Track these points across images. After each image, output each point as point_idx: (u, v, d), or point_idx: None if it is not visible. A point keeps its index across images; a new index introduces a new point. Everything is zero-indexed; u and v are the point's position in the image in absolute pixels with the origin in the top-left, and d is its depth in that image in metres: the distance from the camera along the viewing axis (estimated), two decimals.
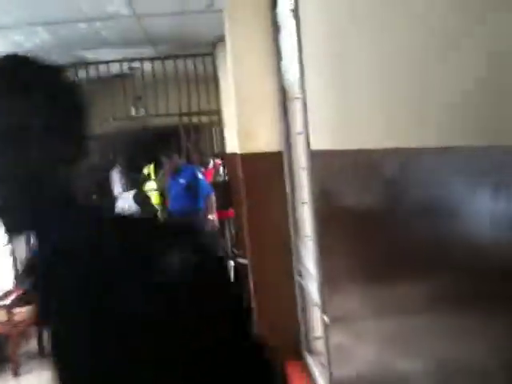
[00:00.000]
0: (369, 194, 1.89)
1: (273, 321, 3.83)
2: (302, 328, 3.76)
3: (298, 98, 2.97)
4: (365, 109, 1.80)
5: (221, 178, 7.55)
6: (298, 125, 3.16)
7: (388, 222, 1.75)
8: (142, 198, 7.37)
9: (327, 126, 2.21)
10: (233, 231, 7.45)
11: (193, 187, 6.57)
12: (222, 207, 7.20)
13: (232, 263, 6.12)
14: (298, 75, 2.73)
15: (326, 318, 2.60)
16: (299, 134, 3.05)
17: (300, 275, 3.69)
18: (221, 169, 7.62)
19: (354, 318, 2.20)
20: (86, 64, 7.11)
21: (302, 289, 3.72)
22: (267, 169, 3.83)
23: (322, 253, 2.62)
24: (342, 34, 1.96)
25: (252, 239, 3.99)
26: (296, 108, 3.18)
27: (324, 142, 2.26)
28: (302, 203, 3.43)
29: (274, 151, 3.81)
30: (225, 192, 7.13)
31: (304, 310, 3.75)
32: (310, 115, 2.55)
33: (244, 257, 6.33)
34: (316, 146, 2.42)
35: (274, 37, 3.74)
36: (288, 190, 3.76)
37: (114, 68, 7.27)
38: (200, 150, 7.75)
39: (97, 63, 7.10)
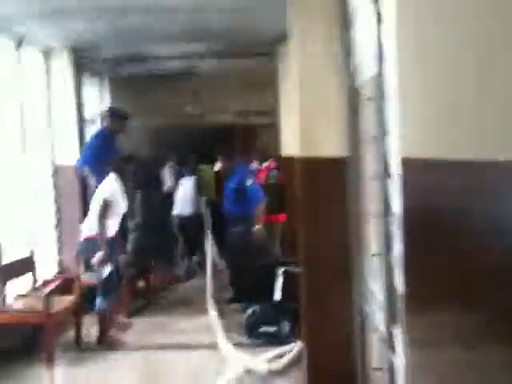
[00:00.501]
0: (466, 212, 1.53)
1: (325, 343, 3.54)
2: (359, 355, 3.44)
3: (371, 98, 2.68)
4: (462, 111, 1.49)
5: (273, 181, 7.31)
6: (369, 129, 2.85)
7: (492, 245, 1.40)
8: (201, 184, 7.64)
9: (412, 130, 1.90)
10: (281, 236, 7.20)
11: (241, 192, 6.41)
12: (273, 211, 6.96)
13: (281, 270, 5.83)
14: (374, 71, 2.43)
15: (391, 353, 2.28)
16: (370, 139, 2.75)
17: (361, 297, 3.37)
18: (274, 171, 7.37)
19: (430, 353, 1.86)
20: (144, 58, 7.01)
21: (361, 312, 3.40)
22: (329, 176, 3.54)
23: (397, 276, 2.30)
24: (437, 19, 1.65)
25: (307, 252, 3.71)
26: (368, 110, 2.87)
27: (407, 149, 1.95)
28: (368, 217, 3.13)
29: (338, 157, 3.52)
30: (277, 195, 6.89)
31: (362, 335, 3.42)
32: (387, 118, 2.26)
33: (295, 265, 6.06)
34: (394, 153, 2.12)
35: (344, 31, 3.45)
36: (351, 200, 3.46)
37: (173, 64, 7.14)
38: (254, 150, 7.52)
39: (155, 58, 6.97)
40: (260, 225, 6.37)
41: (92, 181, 6.16)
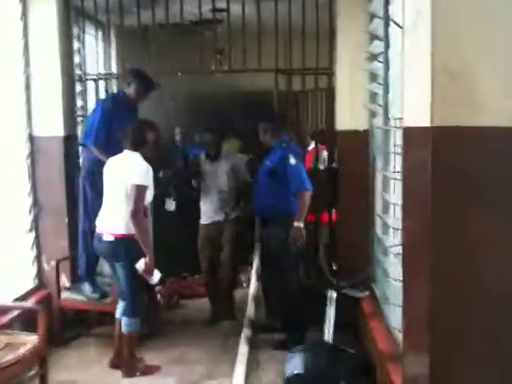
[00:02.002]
0: None
1: None
2: None
3: None
4: None
5: (322, 166, 5.46)
6: None
7: None
8: None
9: None
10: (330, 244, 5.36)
11: (279, 175, 4.51)
12: (319, 208, 5.15)
13: (333, 294, 4.04)
14: None
15: None
16: None
17: None
18: (324, 153, 5.53)
19: None
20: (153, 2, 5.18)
21: None
22: (495, 160, 1.83)
23: None
24: None
25: (448, 289, 2.01)
26: None
27: None
28: None
29: None
30: (327, 186, 5.08)
31: None
32: None
33: (352, 286, 4.32)
34: None
35: None
36: None
37: (192, 10, 5.29)
38: (299, 124, 5.65)
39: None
40: (301, 223, 4.51)
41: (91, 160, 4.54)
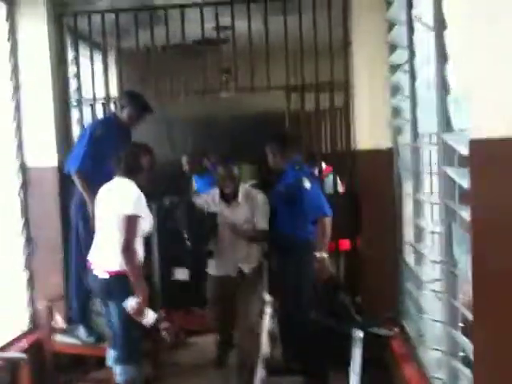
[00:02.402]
0: None
1: None
2: None
3: None
4: None
5: (333, 190, 4.97)
6: None
7: None
8: None
9: None
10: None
11: (293, 200, 4.07)
12: (339, 235, 4.66)
13: (358, 334, 3.56)
14: None
15: None
16: None
17: None
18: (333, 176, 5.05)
19: None
20: (156, 17, 4.85)
21: None
22: None
23: None
24: None
25: None
26: None
27: None
28: None
29: None
30: (348, 211, 4.61)
31: None
32: None
33: (376, 324, 3.85)
34: None
35: None
36: None
37: (195, 28, 4.93)
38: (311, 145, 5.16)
39: (170, 18, 4.79)
40: (323, 253, 4.03)
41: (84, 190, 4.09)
